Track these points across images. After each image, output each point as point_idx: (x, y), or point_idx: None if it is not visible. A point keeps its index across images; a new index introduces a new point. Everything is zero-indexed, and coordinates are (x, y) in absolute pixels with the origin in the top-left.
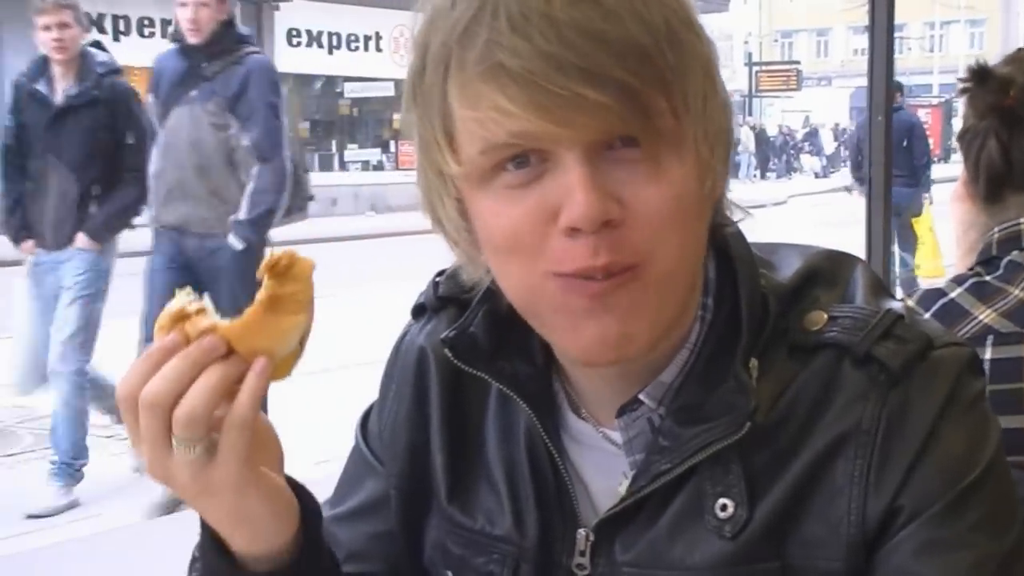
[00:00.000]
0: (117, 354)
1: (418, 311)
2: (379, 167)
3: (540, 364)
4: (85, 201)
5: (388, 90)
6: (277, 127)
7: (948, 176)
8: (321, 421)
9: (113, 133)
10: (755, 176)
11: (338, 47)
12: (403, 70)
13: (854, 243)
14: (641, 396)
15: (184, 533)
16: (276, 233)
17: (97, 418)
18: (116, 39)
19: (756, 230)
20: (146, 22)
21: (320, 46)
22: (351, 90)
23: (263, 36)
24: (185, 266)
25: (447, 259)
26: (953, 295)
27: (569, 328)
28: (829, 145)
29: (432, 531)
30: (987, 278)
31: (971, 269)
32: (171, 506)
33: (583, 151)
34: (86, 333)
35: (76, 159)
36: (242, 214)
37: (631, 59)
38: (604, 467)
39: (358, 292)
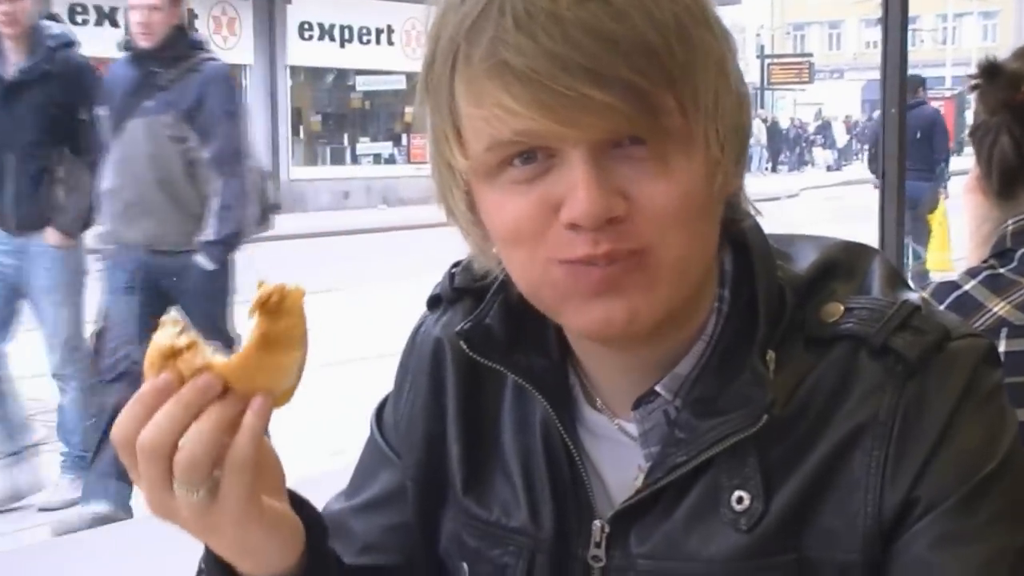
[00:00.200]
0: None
1: (434, 302)
2: (391, 160)
3: (556, 356)
4: (49, 183)
5: (400, 83)
6: (238, 138)
7: (961, 168)
8: (334, 415)
9: (70, 110)
10: (767, 169)
11: (350, 40)
12: (415, 63)
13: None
14: (657, 388)
15: None
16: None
17: None
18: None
19: (769, 223)
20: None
21: (332, 39)
22: (363, 83)
23: (275, 30)
24: (148, 286)
25: (459, 252)
26: (967, 287)
27: (575, 310)
28: (841, 138)
29: (448, 523)
30: (1001, 270)
31: (985, 261)
32: None
33: (588, 149)
34: (74, 330)
35: (32, 136)
36: (211, 234)
37: (639, 58)
38: (620, 459)
39: (369, 287)
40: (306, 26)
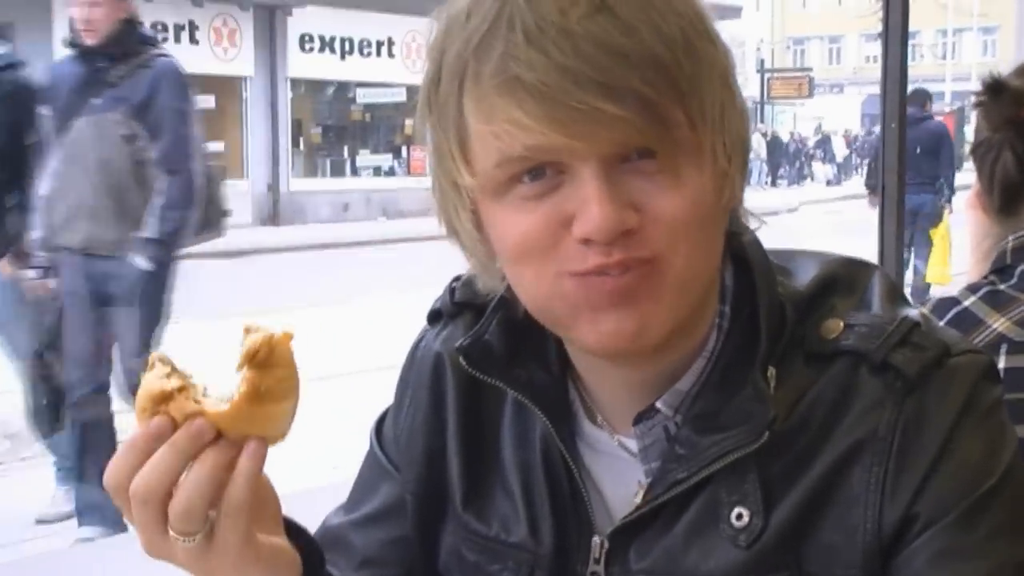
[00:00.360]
0: None
1: (434, 317)
2: (391, 173)
3: (556, 371)
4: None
5: (400, 96)
6: (188, 136)
7: (962, 183)
8: (331, 428)
9: (15, 133)
10: (767, 183)
11: (350, 53)
12: (415, 76)
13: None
14: (658, 404)
15: None
16: (225, 245)
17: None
18: None
19: (769, 238)
20: (159, 27)
21: (332, 52)
22: (363, 96)
23: (276, 41)
24: (90, 292)
25: (459, 265)
26: (967, 303)
27: (587, 322)
28: (841, 152)
29: (447, 537)
30: (1001, 287)
31: (985, 277)
32: None
33: (599, 163)
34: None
35: None
36: (149, 231)
37: (649, 72)
38: (619, 475)
39: (369, 300)
40: (307, 38)
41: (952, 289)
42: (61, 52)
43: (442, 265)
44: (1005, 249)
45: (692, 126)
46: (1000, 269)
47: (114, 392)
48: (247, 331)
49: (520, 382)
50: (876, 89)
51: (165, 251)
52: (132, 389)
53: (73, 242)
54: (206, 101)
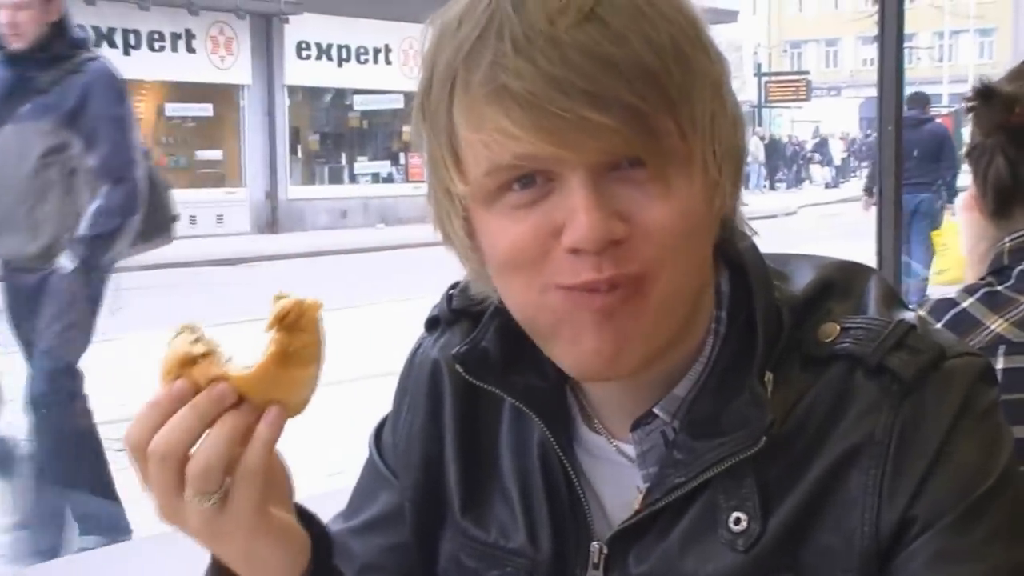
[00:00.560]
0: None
1: (432, 324)
2: (389, 180)
3: (553, 378)
4: None
5: (398, 102)
6: (127, 143)
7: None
8: (331, 434)
9: None
10: (765, 187)
11: (347, 60)
12: (412, 83)
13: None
14: (656, 410)
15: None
16: (231, 250)
17: (103, 431)
18: (127, 53)
19: (767, 241)
20: (156, 36)
21: (330, 59)
22: (361, 102)
23: (273, 49)
24: (11, 306)
25: (457, 272)
26: (965, 305)
27: (569, 340)
28: (839, 155)
29: (446, 544)
30: (999, 288)
31: (983, 279)
32: None
33: (588, 172)
34: None
35: None
36: (80, 230)
37: (638, 81)
38: (617, 480)
39: (367, 307)
40: (304, 46)
41: (950, 291)
42: None
43: (441, 272)
44: (1002, 250)
45: (682, 135)
46: (997, 270)
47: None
48: (277, 298)
49: (517, 389)
50: (873, 92)
51: (94, 254)
52: (33, 400)
53: None
54: (203, 109)
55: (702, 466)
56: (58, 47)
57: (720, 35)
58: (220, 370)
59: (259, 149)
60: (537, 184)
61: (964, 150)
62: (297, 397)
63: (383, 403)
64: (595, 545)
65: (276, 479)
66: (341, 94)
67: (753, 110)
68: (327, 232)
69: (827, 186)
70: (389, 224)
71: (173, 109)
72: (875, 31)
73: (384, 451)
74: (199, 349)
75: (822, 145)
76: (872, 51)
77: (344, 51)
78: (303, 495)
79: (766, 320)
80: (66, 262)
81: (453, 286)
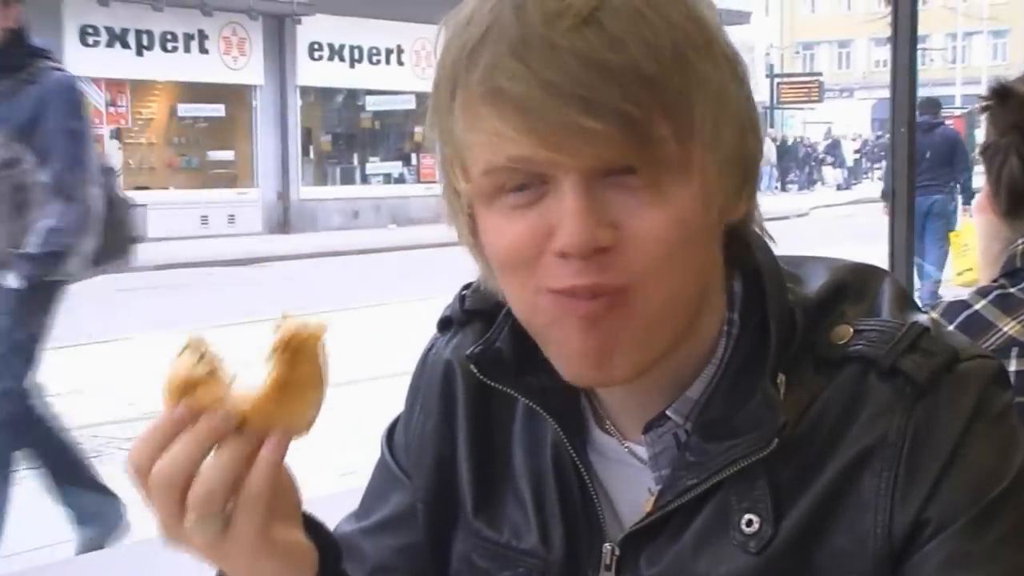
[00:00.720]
0: None
1: (444, 324)
2: (400, 180)
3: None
4: None
5: (410, 103)
6: (81, 160)
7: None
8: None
9: None
10: (776, 188)
11: (360, 60)
12: (424, 83)
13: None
14: (668, 412)
15: None
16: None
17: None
18: (139, 53)
19: (779, 243)
20: (169, 36)
21: (342, 59)
22: (373, 103)
23: (285, 50)
24: None
25: (469, 272)
26: (977, 307)
27: (558, 343)
28: (851, 157)
29: (458, 544)
30: (1011, 290)
31: (995, 281)
32: None
33: (581, 177)
34: None
35: None
36: (28, 247)
37: (633, 87)
38: (630, 481)
39: (379, 307)
40: (316, 46)
41: (963, 293)
42: (69, 54)
43: (453, 272)
44: (1015, 253)
45: (680, 141)
46: (1010, 272)
47: None
48: (284, 319)
49: (531, 389)
50: (886, 93)
51: (42, 272)
52: None
53: None
54: (216, 110)
55: (714, 468)
56: (14, 55)
57: (732, 36)
58: (223, 393)
59: (271, 150)
60: (534, 186)
61: (978, 149)
62: (300, 422)
63: (394, 403)
64: (607, 546)
65: (282, 495)
66: (353, 95)
67: (765, 112)
68: (339, 232)
69: (839, 188)
70: (401, 225)
71: (185, 109)
72: (888, 32)
73: (396, 451)
74: (202, 371)
75: (834, 147)
76: (884, 52)
77: (356, 52)
78: (317, 495)
79: (779, 322)
80: (11, 280)
81: (465, 287)
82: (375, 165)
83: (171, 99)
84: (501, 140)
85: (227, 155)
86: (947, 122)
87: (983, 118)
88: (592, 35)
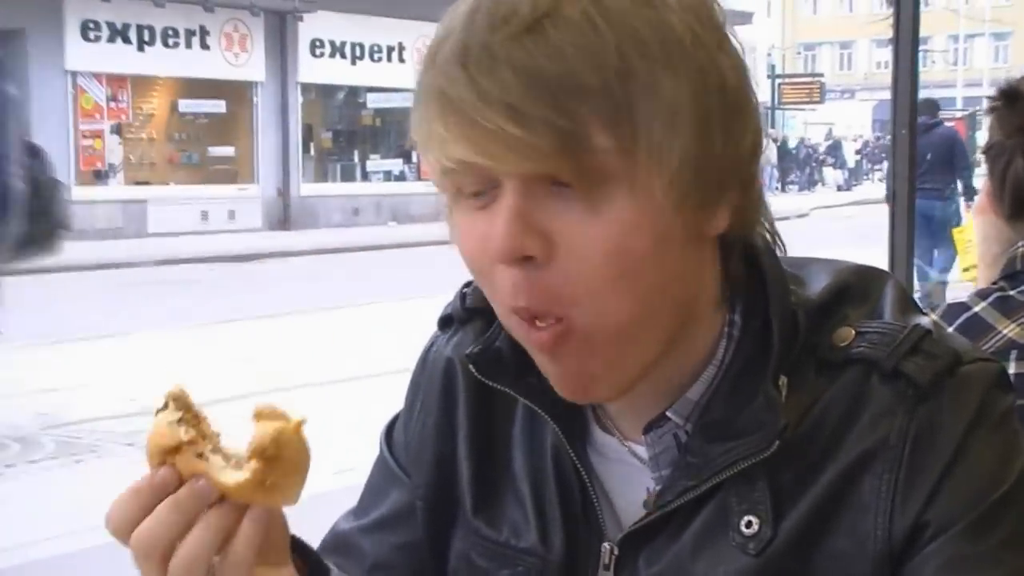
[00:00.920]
0: None
1: (445, 322)
2: (401, 177)
3: None
4: None
5: (410, 101)
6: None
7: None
8: (340, 432)
9: None
10: (777, 189)
11: (361, 58)
12: None
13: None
14: (668, 413)
15: None
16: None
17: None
18: (141, 49)
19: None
20: (170, 32)
21: (343, 57)
22: (374, 100)
23: (287, 47)
24: None
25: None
26: (977, 309)
27: (539, 363)
28: (852, 158)
29: (457, 542)
30: (1011, 292)
31: (995, 283)
32: None
33: (519, 183)
34: None
35: None
36: None
37: (567, 98)
38: (629, 481)
39: (379, 304)
40: (318, 43)
41: (963, 295)
42: (71, 49)
43: (453, 270)
44: (1015, 255)
45: (623, 152)
46: (1010, 275)
47: None
48: (258, 416)
49: (531, 389)
50: (887, 95)
51: None
52: None
53: None
54: (217, 106)
55: (714, 469)
56: None
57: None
58: (203, 467)
59: (272, 146)
60: (488, 190)
61: (981, 148)
62: (281, 504)
63: (394, 400)
64: (606, 546)
65: (268, 534)
66: (354, 92)
67: (766, 112)
68: (339, 229)
69: (839, 189)
70: (401, 222)
71: (186, 105)
72: (890, 34)
73: (395, 449)
74: (183, 435)
75: (835, 148)
76: (886, 54)
77: (358, 49)
78: (314, 492)
79: (782, 324)
80: None
81: (467, 284)
82: (376, 162)
83: (172, 95)
84: (442, 143)
85: (228, 151)
86: (946, 123)
87: (987, 119)
88: (532, 44)
